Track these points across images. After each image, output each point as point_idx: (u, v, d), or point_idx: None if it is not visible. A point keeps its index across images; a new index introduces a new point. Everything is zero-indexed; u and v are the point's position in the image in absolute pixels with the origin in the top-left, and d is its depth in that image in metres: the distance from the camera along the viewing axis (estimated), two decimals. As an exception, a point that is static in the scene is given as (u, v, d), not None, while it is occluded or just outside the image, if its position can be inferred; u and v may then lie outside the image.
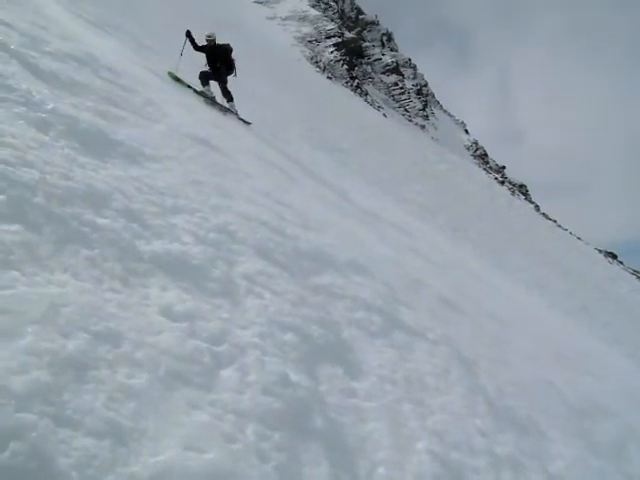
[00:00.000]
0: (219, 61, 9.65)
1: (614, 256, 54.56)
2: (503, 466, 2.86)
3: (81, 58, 5.40)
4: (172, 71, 8.81)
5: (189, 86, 8.98)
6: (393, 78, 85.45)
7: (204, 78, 9.47)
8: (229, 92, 9.75)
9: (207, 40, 9.62)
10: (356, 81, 70.03)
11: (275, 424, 2.07)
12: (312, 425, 2.25)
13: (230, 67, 9.76)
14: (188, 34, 9.54)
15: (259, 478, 1.79)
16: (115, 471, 1.49)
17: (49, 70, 4.36)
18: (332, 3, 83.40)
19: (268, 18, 68.43)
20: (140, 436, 1.65)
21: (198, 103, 8.67)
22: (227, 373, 2.18)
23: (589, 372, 6.86)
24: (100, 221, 2.64)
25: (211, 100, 9.27)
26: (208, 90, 9.46)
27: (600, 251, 49.99)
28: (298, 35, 68.15)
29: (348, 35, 78.33)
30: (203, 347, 2.24)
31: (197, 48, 9.66)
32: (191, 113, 7.04)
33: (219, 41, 9.79)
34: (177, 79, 8.78)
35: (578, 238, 50.47)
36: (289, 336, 2.73)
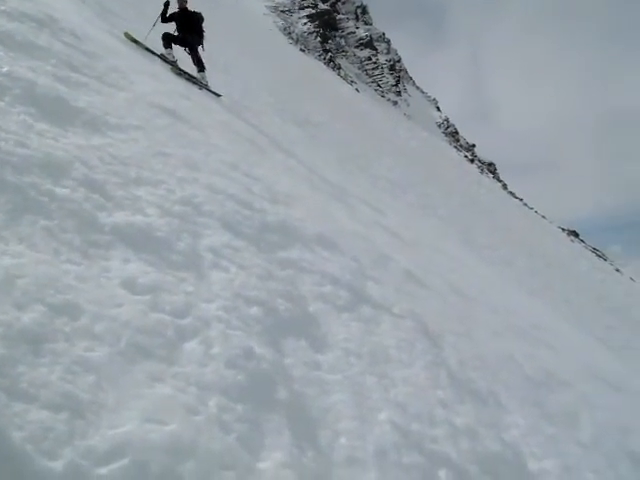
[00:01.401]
0: (189, 28, 9.36)
1: (576, 234, 56.31)
2: (461, 435, 2.95)
3: (40, 19, 5.13)
4: (129, 32, 8.47)
5: (147, 48, 8.65)
6: (366, 52, 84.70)
7: (166, 40, 9.12)
8: (201, 61, 9.48)
9: (179, 1, 9.31)
10: (329, 54, 69.15)
11: (238, 396, 2.08)
12: (275, 397, 2.26)
13: (200, 36, 9.48)
14: (166, 4, 9.22)
15: (221, 449, 1.80)
16: (72, 444, 1.47)
17: (4, 30, 4.14)
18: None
19: (240, -15, 66.41)
20: (99, 409, 1.63)
21: (166, 72, 8.40)
22: (190, 346, 2.17)
23: (549, 346, 7.11)
24: (59, 191, 2.56)
25: (174, 65, 8.96)
26: (169, 53, 9.11)
27: (563, 230, 51.50)
28: (270, 4, 66.58)
29: (322, 6, 76.95)
30: (166, 320, 2.22)
31: (165, 19, 9.33)
32: (159, 82, 6.82)
33: (191, 9, 9.49)
34: (134, 40, 8.45)
35: (543, 217, 51.80)
36: (254, 310, 2.73)
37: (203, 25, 9.56)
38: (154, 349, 2.03)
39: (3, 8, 4.56)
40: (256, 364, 2.31)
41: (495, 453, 3.04)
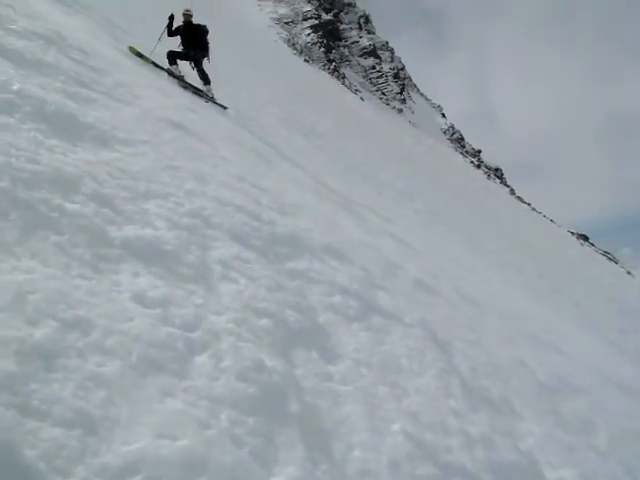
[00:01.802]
0: (194, 41, 9.46)
1: (586, 238, 55.90)
2: (476, 445, 2.92)
3: (48, 37, 5.21)
4: (134, 46, 8.57)
5: (153, 62, 8.75)
6: (370, 61, 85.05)
7: (171, 57, 9.24)
8: (206, 74, 9.57)
9: (184, 14, 9.44)
10: (333, 64, 69.52)
11: (250, 409, 2.07)
12: (287, 409, 2.25)
13: (204, 49, 9.58)
14: (171, 18, 9.35)
15: (233, 463, 1.78)
16: (85, 461, 1.47)
17: (14, 49, 4.20)
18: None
19: (244, -2, 67.11)
20: (111, 425, 1.63)
21: (172, 86, 8.48)
22: (201, 359, 2.17)
23: (560, 351, 7.04)
24: (69, 206, 2.58)
25: (180, 79, 9.05)
26: (175, 69, 9.23)
27: (572, 233, 51.15)
28: (274, 16, 67.19)
29: (325, 17, 77.50)
30: (176, 333, 2.22)
31: (171, 33, 9.46)
32: (165, 96, 6.89)
33: (195, 22, 9.61)
34: (139, 54, 8.55)
35: (551, 221, 51.50)
36: (264, 321, 2.72)
37: (208, 37, 9.66)
38: (165, 363, 2.03)
39: (13, 27, 4.64)
40: (267, 376, 2.30)
41: (511, 462, 3.00)
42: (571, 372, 5.88)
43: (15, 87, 3.41)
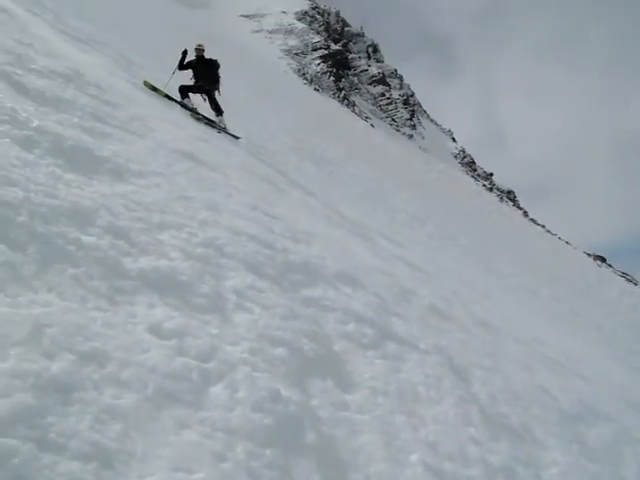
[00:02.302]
0: (206, 75, 9.69)
1: (603, 259, 55.12)
2: (497, 475, 2.85)
3: (67, 74, 5.39)
4: (148, 80, 8.80)
5: (166, 95, 8.97)
6: (380, 89, 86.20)
7: (183, 91, 9.46)
8: (219, 106, 9.77)
9: (196, 49, 9.70)
10: (343, 92, 70.57)
11: (266, 441, 2.05)
12: (304, 440, 2.22)
13: (216, 82, 9.81)
14: (184, 53, 9.62)
15: (250, 497, 1.76)
16: (101, 495, 1.46)
17: (34, 87, 4.35)
18: (318, 16, 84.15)
19: (254, 31, 68.94)
20: (128, 458, 1.62)
21: (185, 118, 8.67)
22: (216, 390, 2.16)
23: (581, 376, 6.87)
24: (86, 239, 2.62)
25: (193, 111, 9.25)
26: (188, 102, 9.45)
27: (589, 255, 50.50)
28: (284, 48, 68.70)
29: (334, 47, 79.05)
30: (192, 364, 2.22)
31: (182, 67, 9.70)
32: (179, 128, 7.03)
33: (207, 56, 9.86)
34: (153, 88, 8.77)
35: (567, 242, 50.95)
36: (279, 351, 2.71)
37: (219, 71, 9.89)
38: (180, 394, 2.03)
39: (33, 67, 4.80)
40: (283, 407, 2.28)
41: (534, 493, 2.92)
42: (594, 398, 5.73)
43: (34, 124, 3.52)
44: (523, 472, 3.04)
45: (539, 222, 59.93)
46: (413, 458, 2.56)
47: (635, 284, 49.25)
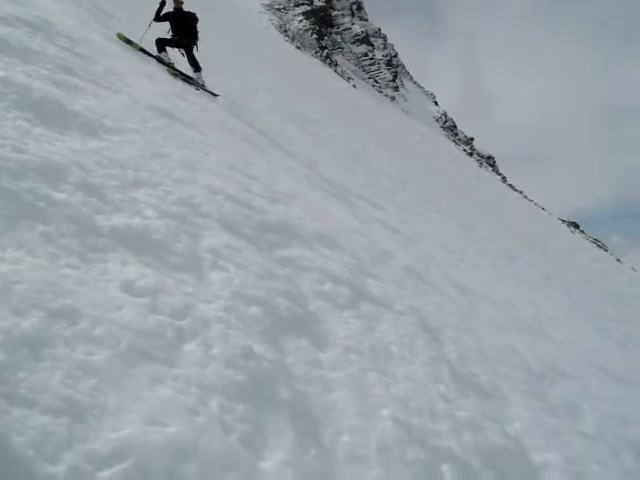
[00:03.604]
0: (184, 29, 9.35)
1: (576, 226, 56.29)
2: (464, 429, 2.96)
3: (35, 23, 5.14)
4: (122, 32, 8.47)
5: (142, 49, 8.65)
6: (363, 48, 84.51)
7: (160, 44, 9.13)
8: (197, 61, 9.47)
9: (175, 1, 9.31)
10: (325, 51, 69.03)
11: (239, 396, 2.09)
12: (277, 396, 2.27)
13: (194, 37, 9.48)
14: (162, 3, 9.22)
15: (223, 449, 1.80)
16: (73, 448, 1.48)
17: (-1, 36, 4.14)
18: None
19: (235, -16, 66.30)
20: (100, 412, 1.64)
21: (162, 73, 8.39)
22: (190, 347, 2.18)
23: (550, 338, 7.11)
24: (56, 195, 2.57)
25: (170, 66, 8.96)
26: (165, 56, 9.13)
27: (563, 221, 51.48)
28: (266, 2, 66.47)
29: (317, 3, 76.76)
30: (166, 322, 2.22)
31: (159, 18, 9.32)
32: (155, 83, 6.82)
33: (186, 8, 9.49)
34: (128, 41, 8.45)
35: (543, 209, 51.75)
36: (254, 309, 2.73)
37: (197, 26, 9.55)
38: (154, 351, 2.04)
39: (-3, 13, 4.56)
40: (256, 364, 2.31)
41: (498, 446, 3.05)
42: (560, 359, 5.95)
43: (0, 75, 3.37)
44: (488, 426, 3.17)
45: (517, 188, 60.59)
46: (384, 413, 2.64)
47: (605, 250, 50.57)
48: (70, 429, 1.52)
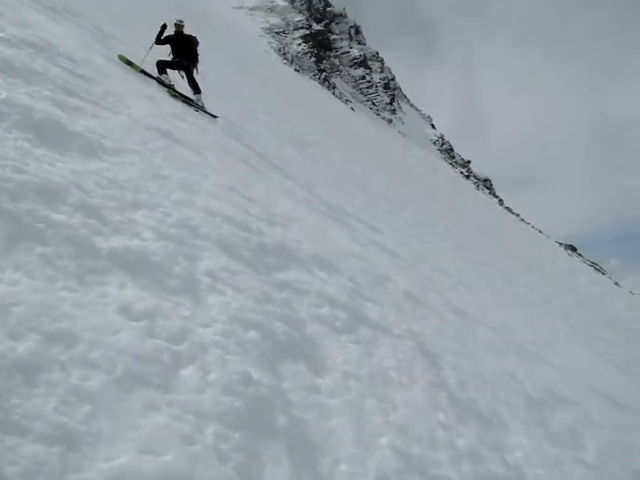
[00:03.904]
0: (184, 52, 9.47)
1: (573, 249, 56.44)
2: (464, 458, 2.91)
3: (38, 45, 5.19)
4: (123, 54, 8.58)
5: (142, 70, 8.75)
6: (361, 71, 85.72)
7: (161, 66, 9.25)
8: (196, 83, 9.57)
9: (176, 25, 9.46)
10: (324, 74, 69.97)
11: (236, 424, 2.05)
12: (274, 423, 2.23)
13: (194, 59, 9.60)
14: (163, 27, 9.37)
15: (217, 479, 1.76)
16: (66, 478, 1.44)
17: (2, 57, 4.18)
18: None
19: (235, 8, 67.59)
20: (94, 440, 1.60)
21: (162, 95, 8.46)
22: (187, 372, 2.14)
23: (549, 362, 7.06)
24: (55, 217, 2.55)
25: (170, 88, 9.05)
26: (165, 78, 9.24)
27: (560, 244, 51.63)
28: (265, 26, 67.60)
29: (316, 27, 78.10)
30: (162, 346, 2.19)
31: (160, 41, 9.45)
32: (155, 105, 6.87)
33: (187, 32, 9.63)
34: (129, 62, 8.54)
35: (540, 231, 51.94)
36: (252, 333, 2.70)
37: (198, 49, 9.69)
38: (150, 376, 2.00)
39: (2, 35, 4.62)
40: (254, 390, 2.28)
41: (499, 476, 3.00)
42: (560, 384, 5.90)
43: (2, 96, 3.39)
44: (488, 455, 3.12)
45: (514, 211, 60.89)
46: (382, 441, 2.60)
47: (603, 274, 50.62)
48: (63, 458, 1.48)
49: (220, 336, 2.51)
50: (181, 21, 9.57)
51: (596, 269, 49.99)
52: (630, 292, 44.20)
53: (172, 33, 9.57)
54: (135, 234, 2.89)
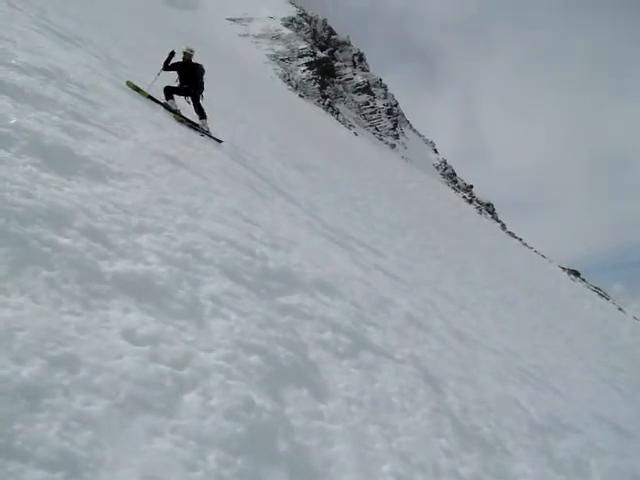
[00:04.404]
0: (191, 79, 9.65)
1: (577, 274, 56.21)
2: (467, 487, 2.88)
3: (48, 72, 5.32)
4: (131, 81, 8.75)
5: (150, 97, 8.91)
6: (364, 97, 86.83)
7: (168, 92, 9.43)
8: (202, 109, 9.73)
9: (185, 53, 9.65)
10: (328, 100, 70.89)
11: (238, 449, 2.04)
12: (276, 449, 2.22)
13: (200, 87, 9.79)
14: (171, 54, 9.57)
15: (220, 507, 1.75)
16: (68, 504, 1.44)
17: (13, 84, 4.28)
18: (305, 23, 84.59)
19: (240, 35, 68.92)
20: (96, 467, 1.60)
21: (168, 120, 8.60)
22: (190, 398, 2.14)
23: (552, 389, 6.99)
24: (62, 241, 2.58)
25: (177, 113, 9.21)
26: (172, 103, 9.41)
27: (564, 269, 51.45)
28: (270, 53, 68.81)
29: (320, 54, 79.46)
30: (165, 371, 2.20)
31: (168, 68, 9.64)
32: (161, 130, 6.98)
33: (194, 60, 9.83)
34: (137, 89, 8.71)
35: (542, 256, 51.82)
36: (254, 358, 2.70)
37: (204, 77, 9.87)
38: (153, 402, 2.01)
39: (13, 62, 4.73)
40: (256, 415, 2.27)
41: (502, 506, 2.95)
42: (564, 410, 5.83)
43: (12, 121, 3.46)
44: (492, 484, 3.08)
45: (516, 235, 60.87)
46: (385, 469, 2.57)
47: (607, 299, 50.30)
48: (65, 485, 1.48)
49: (223, 361, 2.51)
50: (191, 50, 9.78)
51: (600, 294, 49.69)
52: (634, 318, 43.81)
53: (180, 60, 9.76)
54: (140, 258, 2.92)
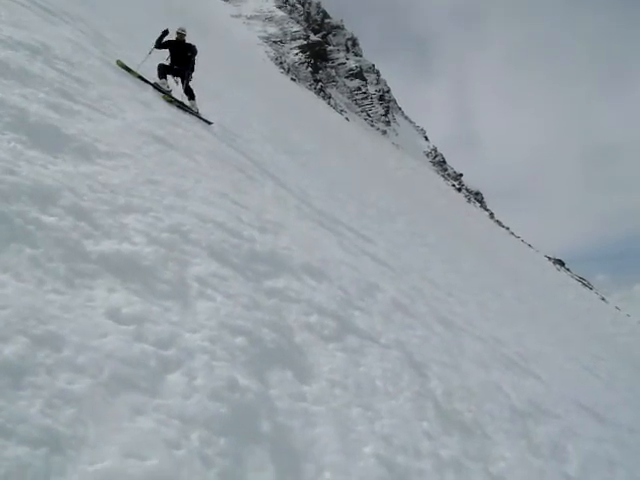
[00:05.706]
0: (183, 59, 9.52)
1: (562, 263, 56.88)
2: (447, 468, 2.93)
3: (34, 47, 5.21)
4: (121, 60, 8.60)
5: (139, 76, 8.77)
6: (356, 83, 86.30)
7: (162, 70, 9.29)
8: (191, 90, 9.61)
9: (178, 33, 9.51)
10: (320, 84, 70.36)
11: (221, 429, 2.06)
12: (259, 429, 2.24)
13: (191, 69, 9.66)
14: (165, 32, 9.41)
15: (202, 484, 1.77)
16: (50, 481, 1.45)
17: (-2, 58, 4.19)
18: (298, 5, 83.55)
19: (233, 16, 67.94)
20: (79, 444, 1.61)
21: (157, 100, 8.48)
22: (174, 378, 2.15)
23: (534, 375, 7.11)
24: (46, 219, 2.56)
25: (167, 94, 9.08)
26: (164, 83, 9.27)
27: (549, 258, 52.03)
28: (263, 35, 67.97)
29: (313, 38, 78.63)
30: (150, 351, 2.20)
31: (160, 45, 9.49)
32: (150, 110, 6.89)
33: (187, 40, 9.69)
34: (126, 68, 8.57)
35: (529, 245, 52.32)
36: (240, 340, 2.71)
37: (196, 58, 9.74)
38: (137, 381, 2.01)
39: (-2, 36, 4.62)
40: (240, 396, 2.29)
41: (481, 487, 3.02)
42: (544, 397, 5.94)
43: (-4, 97, 3.40)
44: (472, 466, 3.14)
45: (504, 224, 61.32)
46: (367, 450, 2.61)
47: (590, 289, 51.04)
48: (47, 461, 1.49)
49: (208, 342, 2.52)
50: (184, 30, 9.64)
51: (584, 284, 50.38)
52: (616, 308, 44.56)
53: (173, 39, 9.61)
54: (126, 238, 2.90)
